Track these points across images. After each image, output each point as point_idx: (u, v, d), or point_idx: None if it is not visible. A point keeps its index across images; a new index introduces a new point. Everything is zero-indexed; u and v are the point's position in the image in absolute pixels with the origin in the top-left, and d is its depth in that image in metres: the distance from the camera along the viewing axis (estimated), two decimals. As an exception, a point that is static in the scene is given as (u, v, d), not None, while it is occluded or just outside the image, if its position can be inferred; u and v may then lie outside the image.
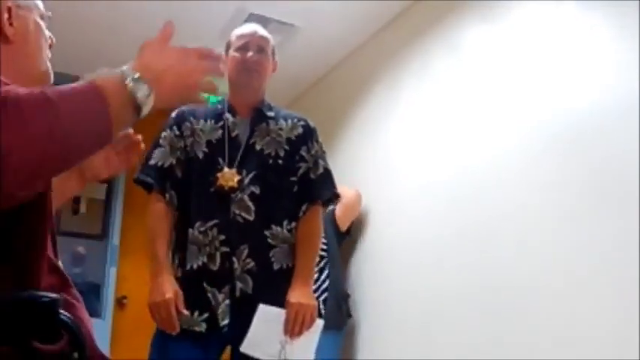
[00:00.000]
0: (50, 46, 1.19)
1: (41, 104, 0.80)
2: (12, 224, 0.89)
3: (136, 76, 0.89)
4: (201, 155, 2.00)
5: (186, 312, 1.85)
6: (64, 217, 4.12)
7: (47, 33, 1.18)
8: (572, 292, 2.12)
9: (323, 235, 2.16)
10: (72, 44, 3.71)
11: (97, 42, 3.84)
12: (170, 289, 1.84)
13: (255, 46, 2.04)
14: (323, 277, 3.08)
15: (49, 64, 1.17)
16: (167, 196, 1.97)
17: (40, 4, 1.18)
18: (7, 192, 0.77)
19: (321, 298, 2.93)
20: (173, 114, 2.08)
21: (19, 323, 0.84)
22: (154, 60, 0.94)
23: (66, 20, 3.41)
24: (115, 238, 4.32)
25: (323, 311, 2.63)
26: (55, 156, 0.81)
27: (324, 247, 3.04)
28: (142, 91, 0.89)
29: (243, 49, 2.04)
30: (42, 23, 1.16)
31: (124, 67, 0.90)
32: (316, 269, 2.41)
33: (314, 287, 2.14)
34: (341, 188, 3.23)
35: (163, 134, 2.03)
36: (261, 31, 2.10)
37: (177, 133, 2.02)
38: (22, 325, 0.85)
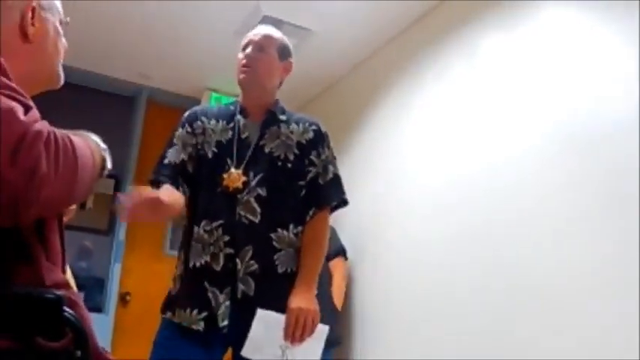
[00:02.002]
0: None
1: (70, 155, 0.91)
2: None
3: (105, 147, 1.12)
4: (210, 155, 2.00)
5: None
6: (70, 211, 4.13)
7: (63, 40, 1.18)
8: (587, 294, 2.11)
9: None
10: (88, 40, 3.73)
11: (112, 38, 3.85)
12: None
13: (254, 44, 2.05)
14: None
15: (61, 71, 1.18)
16: (181, 189, 1.96)
17: (61, 10, 1.18)
18: (35, 213, 0.89)
19: None
20: (185, 113, 2.09)
21: (23, 319, 0.84)
22: None
23: (82, 15, 3.43)
24: (121, 234, 4.33)
25: None
26: (67, 198, 0.95)
27: None
28: (109, 162, 1.13)
29: (243, 49, 2.07)
30: (61, 29, 1.16)
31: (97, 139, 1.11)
32: None
33: None
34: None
35: (176, 133, 2.03)
36: (267, 31, 2.10)
37: (189, 130, 2.03)
38: (27, 321, 0.85)
